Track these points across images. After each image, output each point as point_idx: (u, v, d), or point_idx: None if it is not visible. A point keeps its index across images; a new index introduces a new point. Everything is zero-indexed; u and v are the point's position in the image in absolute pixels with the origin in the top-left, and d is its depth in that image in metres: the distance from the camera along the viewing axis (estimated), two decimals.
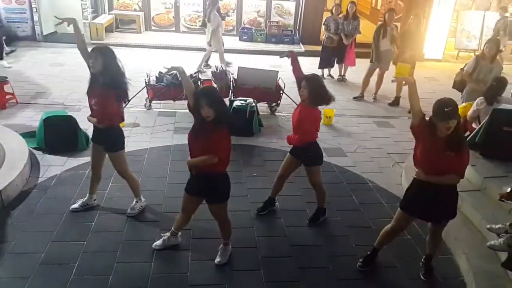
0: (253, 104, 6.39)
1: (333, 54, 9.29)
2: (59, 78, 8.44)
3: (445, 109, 3.01)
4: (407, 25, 8.14)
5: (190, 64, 9.55)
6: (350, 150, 6.08)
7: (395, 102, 8.16)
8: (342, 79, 9.58)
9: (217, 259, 3.73)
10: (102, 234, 4.01)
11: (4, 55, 9.07)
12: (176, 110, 6.98)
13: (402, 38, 7.88)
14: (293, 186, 4.78)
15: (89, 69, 3.81)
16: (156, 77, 7.03)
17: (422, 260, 3.82)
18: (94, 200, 4.39)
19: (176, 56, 10.74)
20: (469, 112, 5.60)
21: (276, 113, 7.30)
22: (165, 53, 10.98)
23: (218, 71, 6.98)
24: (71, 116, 5.62)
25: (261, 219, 4.39)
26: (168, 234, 3.85)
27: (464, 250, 3.88)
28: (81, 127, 5.65)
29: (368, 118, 7.46)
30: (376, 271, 3.77)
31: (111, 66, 3.72)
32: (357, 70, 9.59)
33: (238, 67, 7.15)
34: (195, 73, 7.10)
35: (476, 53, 8.63)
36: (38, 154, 5.36)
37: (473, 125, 5.63)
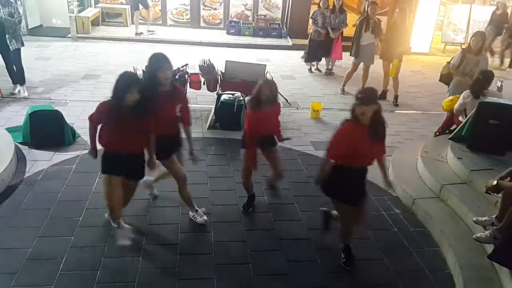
0: (241, 98, 6.35)
1: (320, 47, 9.27)
2: (45, 72, 8.30)
3: (359, 95, 3.23)
4: (393, 19, 8.14)
5: (177, 58, 9.46)
6: None
7: (382, 96, 8.14)
8: (329, 73, 9.57)
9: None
10: (90, 229, 3.96)
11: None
12: None
13: (388, 33, 7.89)
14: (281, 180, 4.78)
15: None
16: (143, 71, 6.92)
17: (342, 249, 3.77)
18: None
19: (163, 49, 10.63)
20: (456, 106, 5.64)
21: None
22: (152, 46, 10.85)
23: (206, 64, 6.92)
24: (57, 110, 5.53)
25: (249, 213, 4.37)
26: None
27: (451, 243, 3.91)
28: (68, 121, 5.57)
29: None
30: (363, 265, 3.78)
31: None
32: (344, 64, 9.61)
33: (226, 61, 7.08)
34: (182, 67, 7.02)
35: (463, 47, 8.68)
36: (24, 149, 5.27)
37: (460, 118, 5.68)
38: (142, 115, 3.35)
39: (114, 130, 3.38)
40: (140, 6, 11.28)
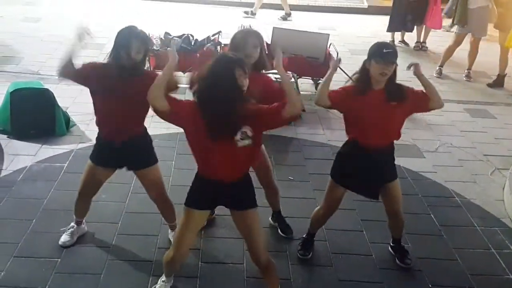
0: (292, 79, 6.31)
1: (410, 11, 9.14)
2: (34, 38, 8.61)
3: (385, 50, 3.46)
4: None
5: (208, 23, 9.53)
6: (430, 149, 6.00)
7: (498, 83, 7.95)
8: (421, 47, 9.49)
9: None
10: (80, 250, 4.06)
11: None
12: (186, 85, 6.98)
13: None
14: None
15: None
16: (161, 39, 7.04)
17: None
18: None
19: (189, 10, 10.79)
20: None
21: None
22: (173, 6, 11.06)
23: None
24: (47, 89, 5.70)
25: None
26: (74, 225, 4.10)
27: None
28: (61, 104, 5.73)
29: (457, 104, 7.34)
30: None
31: None
32: (443, 35, 9.38)
33: (274, 28, 7.08)
34: (213, 35, 7.10)
35: None
36: (2, 139, 5.49)
37: None
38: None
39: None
40: None
